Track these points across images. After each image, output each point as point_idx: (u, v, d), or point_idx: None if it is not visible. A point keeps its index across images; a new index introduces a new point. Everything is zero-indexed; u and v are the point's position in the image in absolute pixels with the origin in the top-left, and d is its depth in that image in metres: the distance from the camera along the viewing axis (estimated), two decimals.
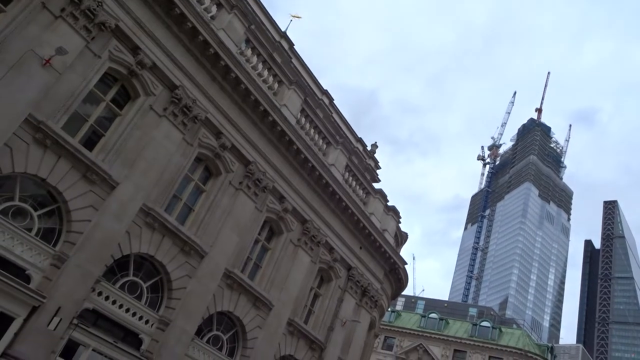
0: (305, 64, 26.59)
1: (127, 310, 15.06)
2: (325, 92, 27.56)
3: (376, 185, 27.40)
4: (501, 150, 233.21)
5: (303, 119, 21.84)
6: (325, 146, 23.15)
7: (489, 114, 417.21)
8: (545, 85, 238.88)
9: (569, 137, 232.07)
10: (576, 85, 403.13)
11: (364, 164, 28.29)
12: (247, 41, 19.51)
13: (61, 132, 13.41)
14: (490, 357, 46.75)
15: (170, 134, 16.09)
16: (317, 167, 21.18)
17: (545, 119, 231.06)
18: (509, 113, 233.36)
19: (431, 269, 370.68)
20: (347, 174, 24.29)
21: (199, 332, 17.33)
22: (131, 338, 15.17)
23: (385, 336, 51.48)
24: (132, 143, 15.20)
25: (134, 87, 15.56)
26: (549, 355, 48.81)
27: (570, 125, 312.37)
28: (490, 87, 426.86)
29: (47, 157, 13.28)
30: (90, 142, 14.67)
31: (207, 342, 17.72)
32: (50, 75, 13.16)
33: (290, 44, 25.68)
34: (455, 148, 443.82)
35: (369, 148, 30.25)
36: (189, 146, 16.99)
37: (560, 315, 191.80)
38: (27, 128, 12.86)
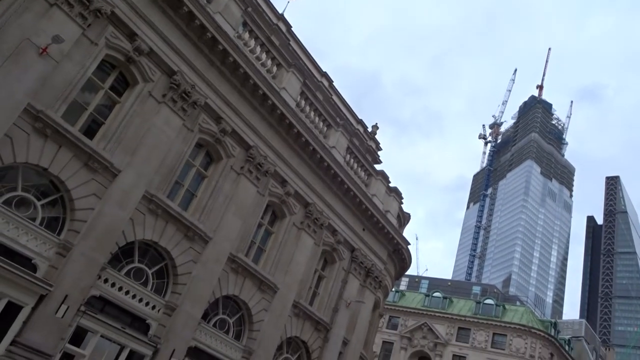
0: (304, 46, 26.35)
1: (134, 297, 15.21)
2: (325, 74, 27.38)
3: (378, 167, 27.38)
4: (502, 129, 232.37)
5: (303, 102, 21.74)
6: (325, 129, 23.09)
7: (492, 93, 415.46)
8: (546, 62, 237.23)
9: (571, 114, 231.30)
10: (579, 62, 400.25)
11: (365, 145, 28.22)
12: (245, 24, 19.32)
13: (61, 121, 13.39)
14: (494, 333, 47.20)
15: (170, 120, 16.05)
16: (318, 150, 21.15)
17: (549, 97, 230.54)
18: (510, 91, 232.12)
19: (435, 250, 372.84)
20: (348, 156, 24.26)
21: (206, 316, 17.52)
22: (139, 323, 15.35)
23: (390, 316, 51.95)
24: (133, 130, 15.17)
25: (132, 73, 15.47)
26: (553, 330, 49.26)
27: (572, 102, 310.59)
28: (492, 65, 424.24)
29: (48, 146, 13.28)
30: (90, 130, 14.66)
31: (214, 325, 17.92)
32: (48, 64, 13.08)
33: (288, 26, 25.42)
34: (459, 128, 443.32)
35: (369, 129, 30.15)
36: (190, 132, 16.96)
37: (563, 292, 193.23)
38: (27, 118, 12.84)
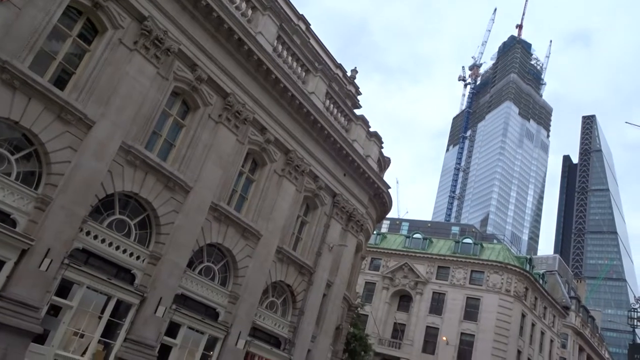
0: None
1: (117, 248, 15.28)
2: (302, 17, 26.62)
3: (358, 112, 27.24)
4: (482, 70, 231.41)
5: (280, 47, 21.21)
6: (304, 74, 22.70)
7: (479, 35, 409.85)
8: (526, 0, 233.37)
9: (549, 54, 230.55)
10: (570, 4, 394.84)
11: (344, 90, 27.94)
12: None
13: (29, 71, 12.89)
14: (472, 271, 48.89)
15: (144, 68, 15.57)
16: (296, 96, 20.88)
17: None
18: (489, 31, 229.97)
19: (421, 193, 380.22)
20: (327, 101, 24.02)
21: (191, 265, 17.76)
22: (124, 274, 15.51)
23: (372, 257, 53.30)
24: (105, 80, 14.71)
25: (100, 20, 14.81)
26: (528, 266, 51.21)
27: (551, 41, 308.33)
28: (481, 7, 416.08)
29: (17, 98, 12.84)
30: (60, 81, 14.17)
31: (199, 273, 18.21)
32: (10, 11, 12.43)
33: None
34: (447, 73, 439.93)
35: (349, 74, 29.76)
36: (164, 80, 16.52)
37: (538, 229, 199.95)
38: None
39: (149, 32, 15.52)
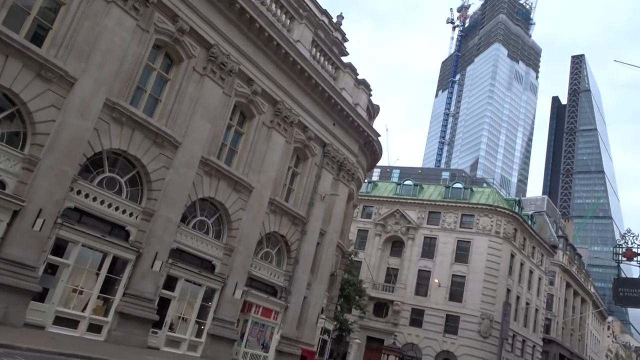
0: None
1: (110, 206, 15.30)
2: None
3: (345, 59, 26.76)
4: (470, 12, 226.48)
5: None
6: (288, 22, 22.11)
7: None
8: None
9: None
10: None
11: (330, 37, 27.36)
12: None
13: (3, 28, 12.45)
14: (462, 215, 49.65)
15: (122, 21, 15.07)
16: (282, 45, 20.42)
17: None
18: None
19: (411, 140, 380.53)
20: (314, 49, 23.54)
21: (184, 219, 17.89)
22: (118, 231, 15.62)
23: (364, 205, 53.86)
24: (83, 34, 14.25)
25: None
26: (517, 207, 52.07)
27: None
28: None
29: None
30: (37, 37, 13.71)
31: (194, 227, 18.37)
32: None
33: None
34: (437, 16, 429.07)
35: (334, 20, 29.03)
36: (145, 33, 16.04)
37: (527, 171, 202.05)
38: None
39: None
